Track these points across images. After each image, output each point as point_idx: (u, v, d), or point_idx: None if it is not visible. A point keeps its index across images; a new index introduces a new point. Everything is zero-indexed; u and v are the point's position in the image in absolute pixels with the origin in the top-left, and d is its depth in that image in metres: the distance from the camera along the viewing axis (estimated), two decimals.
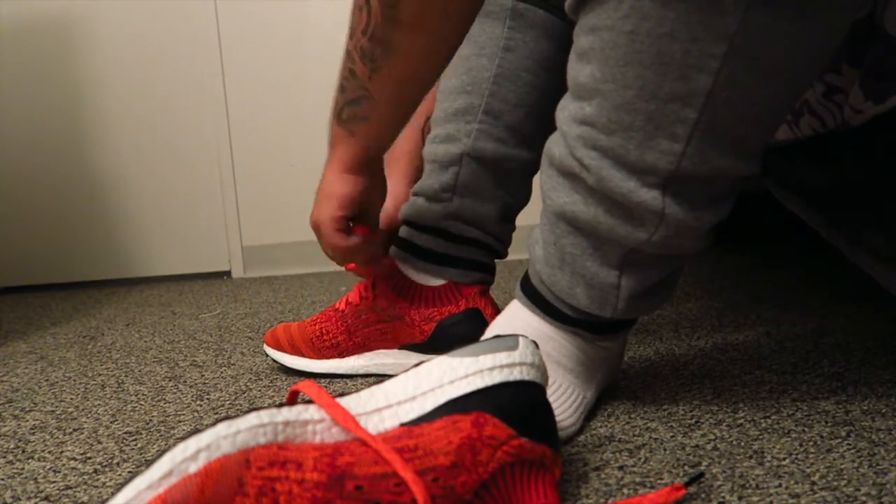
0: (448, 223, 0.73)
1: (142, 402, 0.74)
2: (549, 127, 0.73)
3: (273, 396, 0.72)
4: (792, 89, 0.47)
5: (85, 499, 0.51)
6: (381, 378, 0.74)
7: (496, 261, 0.78)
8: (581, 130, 0.49)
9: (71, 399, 0.77)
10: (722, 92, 0.44)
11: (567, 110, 0.51)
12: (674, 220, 0.49)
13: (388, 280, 0.74)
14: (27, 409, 0.75)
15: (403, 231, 0.75)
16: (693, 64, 0.43)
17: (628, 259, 0.52)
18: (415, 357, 0.73)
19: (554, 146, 0.53)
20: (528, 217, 0.79)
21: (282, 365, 0.79)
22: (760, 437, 0.53)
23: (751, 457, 0.50)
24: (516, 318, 0.59)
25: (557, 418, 0.54)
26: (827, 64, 0.49)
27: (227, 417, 0.36)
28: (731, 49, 0.42)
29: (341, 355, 0.75)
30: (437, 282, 0.74)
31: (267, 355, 0.82)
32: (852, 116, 0.56)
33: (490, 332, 0.59)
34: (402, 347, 0.74)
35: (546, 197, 0.54)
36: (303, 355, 0.77)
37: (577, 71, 0.49)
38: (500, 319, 0.60)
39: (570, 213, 0.52)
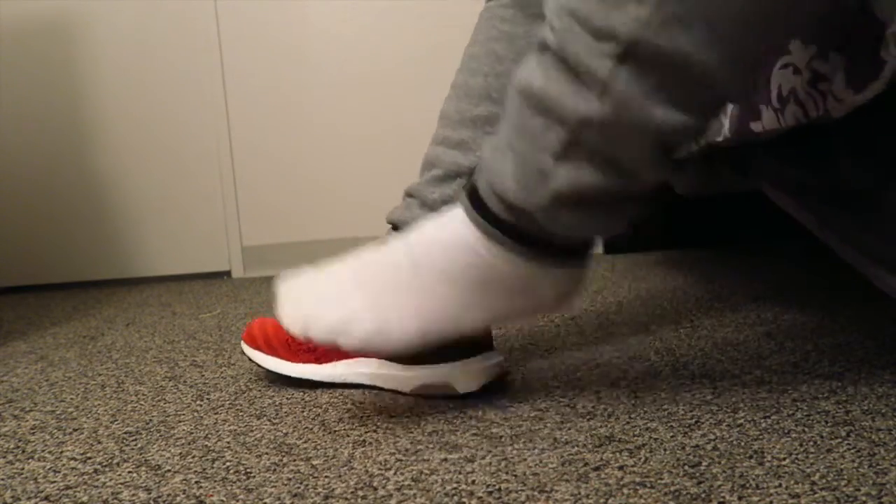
0: None
1: (142, 402, 0.74)
2: None
3: (273, 396, 0.72)
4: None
5: (85, 499, 0.51)
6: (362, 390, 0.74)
7: None
8: (562, 1, 0.49)
9: (71, 399, 0.77)
10: None
11: None
12: (618, 94, 0.47)
13: None
14: (27, 409, 0.75)
15: (391, 235, 0.70)
16: None
17: (567, 150, 0.50)
18: (396, 368, 0.69)
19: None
20: None
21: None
22: (760, 437, 0.53)
23: (751, 457, 0.50)
24: (441, 218, 0.57)
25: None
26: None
27: None
28: None
29: (318, 360, 0.72)
30: None
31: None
32: (834, 106, 0.55)
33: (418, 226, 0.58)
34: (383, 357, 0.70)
35: (511, 78, 0.54)
36: (279, 356, 0.74)
37: None
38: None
39: (524, 82, 0.51)
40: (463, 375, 0.65)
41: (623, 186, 0.51)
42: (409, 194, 0.71)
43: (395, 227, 0.71)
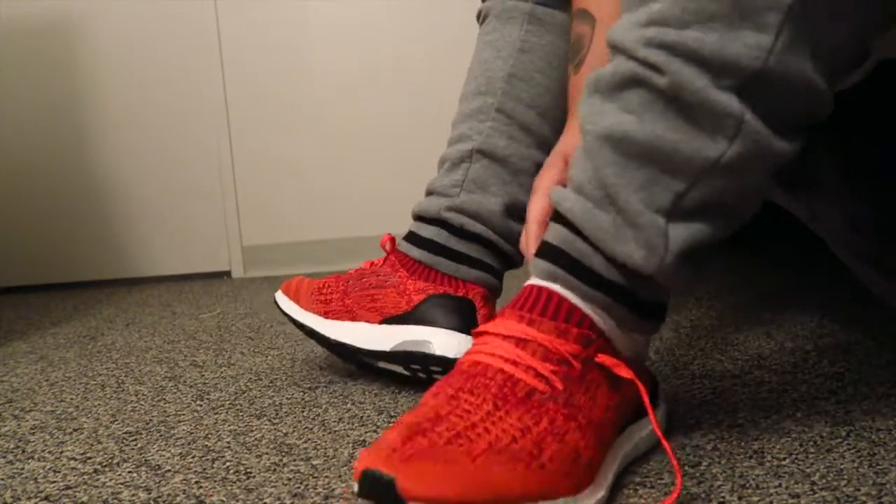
0: (449, 215, 0.72)
1: (142, 402, 0.74)
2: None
3: (273, 396, 0.72)
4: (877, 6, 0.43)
5: (85, 499, 0.51)
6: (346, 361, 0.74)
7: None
8: (644, 32, 0.43)
9: (71, 399, 0.77)
10: None
11: (625, 22, 0.45)
12: (752, 130, 0.42)
13: (398, 255, 0.74)
14: (27, 409, 0.75)
15: (412, 225, 0.75)
16: None
17: (677, 206, 0.44)
18: (390, 328, 0.71)
19: (599, 69, 0.47)
20: None
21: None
22: (760, 437, 0.53)
23: (751, 457, 0.50)
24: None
25: None
26: None
27: None
28: None
29: (326, 315, 0.74)
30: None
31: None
32: None
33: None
34: (383, 321, 0.71)
35: (587, 123, 0.46)
36: (298, 302, 0.76)
37: None
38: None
39: (618, 133, 0.44)
40: (443, 338, 0.68)
41: (729, 230, 0.48)
42: (427, 192, 0.75)
43: (418, 218, 0.75)
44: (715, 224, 0.46)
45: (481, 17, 0.77)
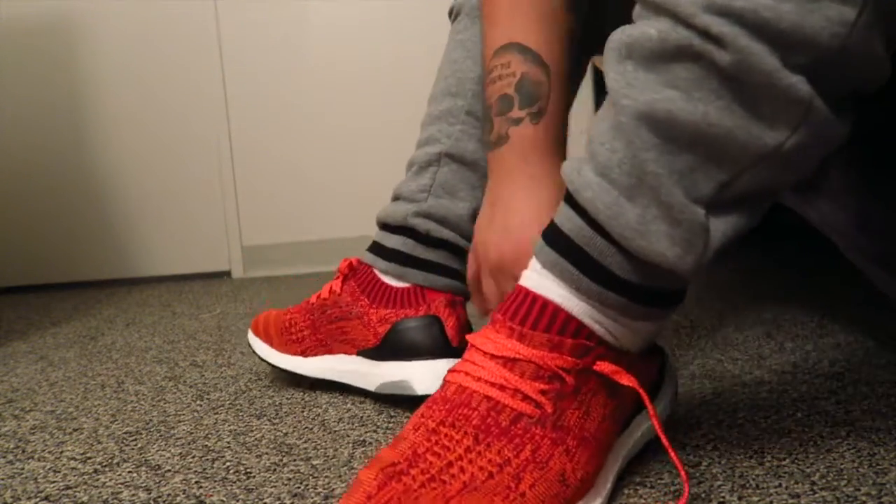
0: (416, 221, 0.69)
1: (142, 402, 0.74)
2: None
3: (273, 396, 0.72)
4: None
5: (85, 499, 0.51)
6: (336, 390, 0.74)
7: None
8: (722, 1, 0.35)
9: (71, 399, 0.77)
10: None
11: None
12: (818, 117, 0.37)
13: (358, 277, 0.72)
14: (27, 409, 0.75)
15: (376, 234, 0.73)
16: None
17: (719, 197, 0.39)
18: (368, 365, 0.69)
19: (633, 30, 0.39)
20: None
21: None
22: (760, 437, 0.53)
23: (751, 457, 0.50)
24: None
25: None
26: None
27: None
28: None
29: (304, 353, 0.73)
30: (402, 284, 0.70)
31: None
32: None
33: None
34: (359, 353, 0.70)
35: (621, 96, 0.39)
36: (272, 345, 0.75)
37: None
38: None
39: (661, 112, 0.38)
40: (420, 375, 0.65)
41: (761, 217, 0.43)
42: (393, 197, 0.73)
43: (380, 226, 0.72)
44: (751, 213, 0.41)
45: (453, 15, 0.74)
